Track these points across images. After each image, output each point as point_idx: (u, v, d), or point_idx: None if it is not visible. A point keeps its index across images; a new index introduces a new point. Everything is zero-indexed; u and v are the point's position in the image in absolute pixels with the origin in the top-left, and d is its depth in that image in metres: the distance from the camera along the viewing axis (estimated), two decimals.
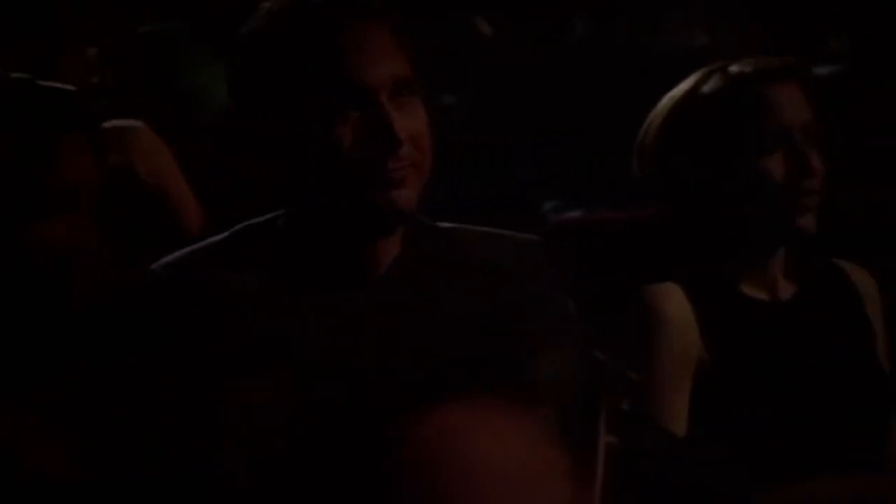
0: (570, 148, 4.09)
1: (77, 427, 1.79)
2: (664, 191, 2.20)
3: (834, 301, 2.22)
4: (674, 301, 2.11)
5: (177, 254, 1.82)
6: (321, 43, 1.75)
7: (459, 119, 3.04)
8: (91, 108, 1.96)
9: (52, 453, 1.77)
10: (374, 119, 1.74)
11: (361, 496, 1.22)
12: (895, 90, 4.59)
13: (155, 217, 2.75)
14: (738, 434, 2.10)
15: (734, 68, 2.17)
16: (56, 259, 1.81)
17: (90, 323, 1.83)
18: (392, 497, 1.13)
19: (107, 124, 2.89)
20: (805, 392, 2.13)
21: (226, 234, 1.84)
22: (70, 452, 1.77)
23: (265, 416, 1.70)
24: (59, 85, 1.94)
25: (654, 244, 2.21)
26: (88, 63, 3.14)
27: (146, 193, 2.78)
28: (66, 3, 3.06)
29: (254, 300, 1.75)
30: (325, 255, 1.79)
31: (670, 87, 2.22)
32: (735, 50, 5.27)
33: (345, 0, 1.77)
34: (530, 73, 5.06)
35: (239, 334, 1.73)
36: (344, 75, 1.74)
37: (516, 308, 1.82)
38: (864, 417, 2.16)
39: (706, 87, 2.17)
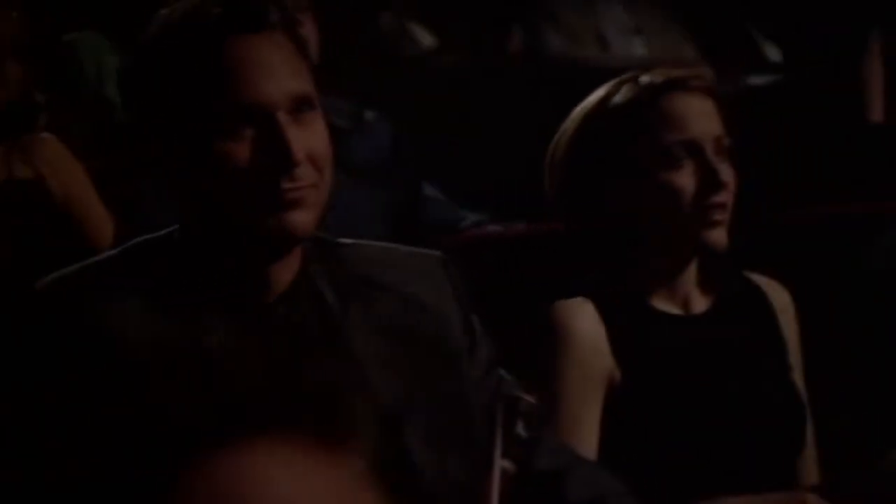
0: (503, 160, 4.04)
1: None
2: (574, 203, 2.14)
3: (748, 315, 2.17)
4: (584, 317, 2.05)
5: (67, 269, 1.74)
6: (214, 56, 1.66)
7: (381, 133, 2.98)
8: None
9: None
10: (271, 138, 1.65)
11: None
12: (829, 99, 4.58)
13: (64, 230, 2.68)
14: (651, 451, 2.05)
15: (644, 79, 2.11)
16: None
17: None
18: None
19: (15, 136, 2.83)
20: (718, 408, 2.08)
21: (118, 249, 1.77)
22: None
23: (122, 438, 1.62)
24: None
25: (565, 258, 2.15)
26: (9, 73, 3.07)
27: (54, 206, 2.70)
28: None
29: (140, 319, 1.67)
30: (219, 275, 1.71)
31: None
32: (672, 61, 5.26)
33: (240, 11, 1.67)
34: (466, 84, 5.02)
35: (121, 352, 1.65)
36: (238, 91, 1.65)
37: (415, 328, 1.75)
38: (778, 434, 2.11)
39: (616, 98, 2.11)
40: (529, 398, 1.72)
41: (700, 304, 2.15)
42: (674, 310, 2.13)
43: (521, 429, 1.66)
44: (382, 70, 5.13)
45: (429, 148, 4.42)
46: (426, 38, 5.29)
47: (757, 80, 4.99)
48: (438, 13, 5.29)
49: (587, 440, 2.02)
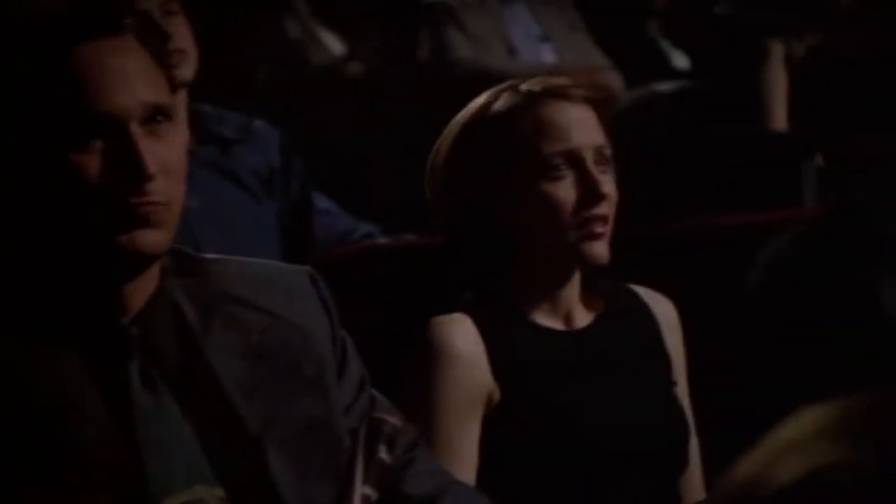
0: (410, 169, 3.98)
1: None
2: (453, 214, 2.06)
3: (632, 330, 2.11)
4: (462, 333, 1.98)
5: None
6: (62, 62, 1.54)
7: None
8: None
9: None
10: (122, 149, 1.54)
11: None
12: (737, 106, 4.56)
13: None
14: (531, 471, 1.98)
15: (524, 87, 2.04)
16: None
17: None
18: None
19: None
20: (600, 425, 2.02)
21: None
22: None
23: None
24: None
25: (444, 272, 2.08)
26: None
27: None
28: None
29: None
30: (65, 296, 1.59)
31: None
32: (580, 67, 5.22)
33: (89, 14, 1.56)
34: (376, 92, 4.96)
35: None
36: (88, 100, 1.54)
37: (280, 347, 1.67)
38: (660, 452, 2.05)
39: (495, 107, 2.04)
40: (395, 420, 1.64)
41: (583, 318, 2.08)
42: (556, 324, 2.06)
43: (384, 453, 1.59)
44: (288, 78, 5.07)
45: (328, 157, 4.36)
46: (336, 46, 5.23)
47: (663, 87, 4.97)
48: (347, 20, 5.23)
49: (465, 462, 1.94)
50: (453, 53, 5.01)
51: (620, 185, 2.06)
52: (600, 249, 2.00)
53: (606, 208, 2.01)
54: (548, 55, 5.06)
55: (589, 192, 2.00)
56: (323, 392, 1.67)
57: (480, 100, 2.05)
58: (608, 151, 2.04)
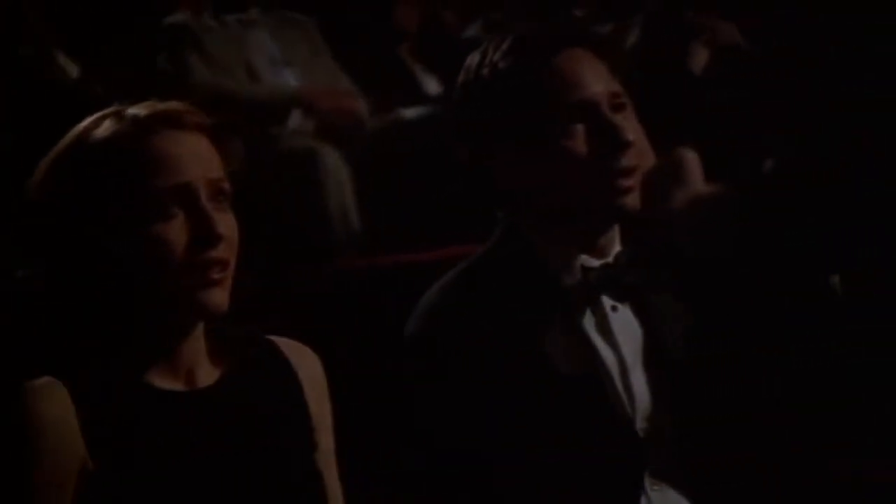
0: None
1: None
2: (54, 259, 1.75)
3: (267, 387, 1.82)
4: (53, 400, 1.67)
5: None
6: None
7: None
8: None
9: None
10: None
11: None
12: None
13: None
14: None
15: (130, 112, 1.75)
16: None
17: None
18: None
19: None
20: (224, 492, 1.73)
21: None
22: None
23: None
24: None
25: (50, 328, 1.77)
26: None
27: None
28: None
29: None
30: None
31: None
32: (325, 92, 4.95)
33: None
34: None
35: None
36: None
37: None
38: None
39: (95, 135, 1.74)
40: None
41: (208, 376, 1.78)
42: (175, 385, 1.75)
43: None
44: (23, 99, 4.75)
45: None
46: (71, 68, 4.91)
47: (410, 112, 4.74)
48: (81, 42, 4.92)
49: None
50: (192, 77, 4.73)
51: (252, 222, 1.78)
52: (218, 298, 1.71)
53: (225, 251, 1.72)
54: (290, 79, 4.81)
55: (202, 233, 1.71)
56: None
57: (79, 126, 1.75)
58: (227, 186, 1.75)
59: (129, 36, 4.95)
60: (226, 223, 1.74)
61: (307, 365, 1.86)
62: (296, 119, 4.81)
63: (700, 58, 4.30)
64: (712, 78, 4.25)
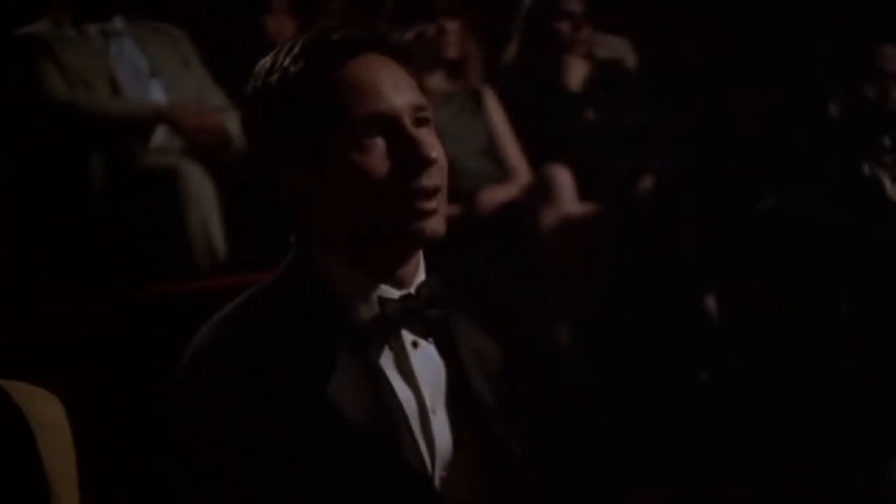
0: None
1: None
2: None
3: None
4: None
5: None
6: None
7: None
8: None
9: None
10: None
11: None
12: None
13: None
14: None
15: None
16: None
17: None
18: None
19: None
20: None
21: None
22: None
23: None
24: None
25: None
26: None
27: None
28: None
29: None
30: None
31: None
32: (195, 105, 4.68)
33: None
34: None
35: None
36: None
37: None
38: None
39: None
40: None
41: None
42: None
43: None
44: None
45: None
46: None
47: None
48: None
49: None
50: (48, 90, 4.44)
51: None
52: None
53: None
54: (158, 92, 4.53)
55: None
56: None
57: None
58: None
59: None
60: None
61: (43, 410, 1.60)
62: (161, 136, 4.53)
63: (576, 73, 4.09)
64: (588, 93, 4.04)
